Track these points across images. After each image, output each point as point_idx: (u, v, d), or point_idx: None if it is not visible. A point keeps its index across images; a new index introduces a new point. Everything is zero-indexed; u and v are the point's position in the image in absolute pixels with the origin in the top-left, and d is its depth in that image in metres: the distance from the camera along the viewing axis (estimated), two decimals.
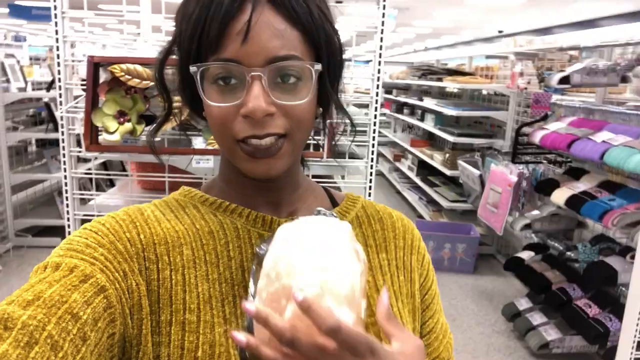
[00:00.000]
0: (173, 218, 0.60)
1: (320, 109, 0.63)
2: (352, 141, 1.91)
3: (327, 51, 0.58)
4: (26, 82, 4.18)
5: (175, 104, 0.64)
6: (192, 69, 0.54)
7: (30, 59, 5.58)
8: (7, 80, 3.95)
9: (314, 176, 1.84)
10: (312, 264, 0.47)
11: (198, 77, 0.54)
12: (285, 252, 0.49)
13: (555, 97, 3.21)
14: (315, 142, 1.66)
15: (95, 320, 0.46)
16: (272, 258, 0.49)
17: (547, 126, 3.04)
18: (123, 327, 0.50)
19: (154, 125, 0.67)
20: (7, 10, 6.81)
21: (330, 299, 0.46)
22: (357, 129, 2.12)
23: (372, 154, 1.88)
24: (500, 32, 4.38)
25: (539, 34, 3.65)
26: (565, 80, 2.78)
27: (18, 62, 4.15)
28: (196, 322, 0.53)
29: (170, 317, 0.53)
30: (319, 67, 0.55)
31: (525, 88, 3.58)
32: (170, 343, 0.52)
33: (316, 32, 0.55)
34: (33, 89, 4.47)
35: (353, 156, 1.95)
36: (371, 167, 1.89)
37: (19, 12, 6.80)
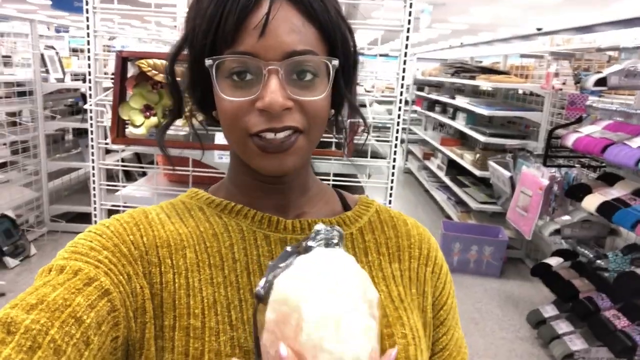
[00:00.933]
0: (178, 221, 0.60)
1: (333, 110, 0.62)
2: (370, 140, 1.90)
3: (342, 50, 0.57)
4: (64, 73, 4.31)
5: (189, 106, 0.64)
6: (208, 61, 0.53)
7: (71, 50, 5.74)
8: (47, 71, 4.08)
9: (336, 175, 1.84)
10: (326, 338, 0.44)
11: (213, 71, 0.53)
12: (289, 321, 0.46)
13: (591, 99, 3.10)
14: (337, 140, 1.65)
15: (98, 323, 0.46)
16: (275, 325, 0.46)
17: (582, 129, 2.94)
18: (127, 331, 0.50)
19: (163, 124, 0.66)
20: (50, 2, 7.03)
21: None
22: (383, 130, 2.09)
23: (395, 153, 1.86)
24: (538, 29, 4.23)
25: (579, 32, 3.51)
26: (602, 82, 2.68)
27: (57, 53, 4.27)
28: (201, 328, 0.52)
29: (173, 321, 0.53)
30: (336, 62, 0.55)
31: (561, 89, 3.47)
32: (174, 349, 0.52)
33: (332, 30, 0.55)
34: (71, 80, 4.60)
35: (377, 155, 1.94)
36: (393, 167, 1.87)
37: (61, 3, 7.01)
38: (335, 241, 0.52)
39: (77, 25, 5.49)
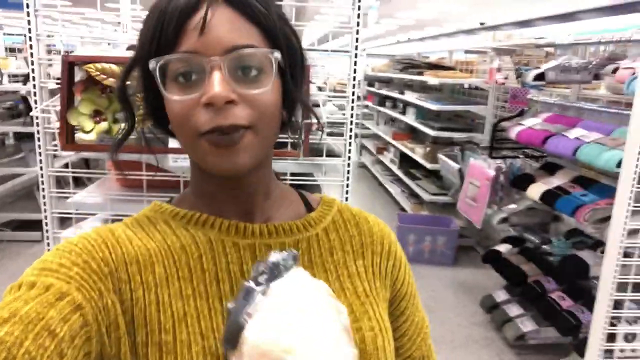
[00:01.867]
0: (144, 236, 0.59)
1: (285, 112, 0.62)
2: (325, 139, 1.93)
3: (287, 51, 0.58)
4: (1, 75, 4.11)
5: (141, 112, 0.64)
6: (151, 64, 0.54)
7: (6, 49, 5.47)
8: None
9: (292, 174, 1.86)
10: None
11: (157, 74, 0.54)
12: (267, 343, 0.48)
13: (532, 93, 3.26)
14: (292, 140, 1.67)
15: (72, 337, 0.46)
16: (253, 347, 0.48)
17: (524, 122, 3.09)
18: (100, 346, 0.50)
19: (117, 139, 0.65)
20: None
21: None
22: (336, 125, 2.11)
23: (349, 152, 1.90)
24: (482, 24, 4.40)
25: (520, 26, 3.67)
26: (540, 77, 2.82)
27: None
28: (172, 342, 0.53)
29: (146, 338, 0.53)
30: (278, 55, 0.56)
31: (503, 83, 3.63)
32: None
33: (274, 30, 0.56)
34: (10, 82, 4.39)
35: (332, 153, 1.97)
36: (348, 165, 1.91)
37: None
38: (292, 264, 0.54)
39: (12, 23, 5.22)
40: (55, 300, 0.48)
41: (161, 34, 0.53)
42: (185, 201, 0.66)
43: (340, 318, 0.53)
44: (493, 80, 3.75)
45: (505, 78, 3.58)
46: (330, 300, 0.54)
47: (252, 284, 0.52)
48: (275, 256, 0.53)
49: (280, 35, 0.57)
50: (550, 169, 3.01)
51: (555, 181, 2.82)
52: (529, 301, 2.94)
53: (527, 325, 2.85)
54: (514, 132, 3.06)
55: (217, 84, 0.52)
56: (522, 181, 3.02)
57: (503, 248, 3.34)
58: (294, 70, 0.60)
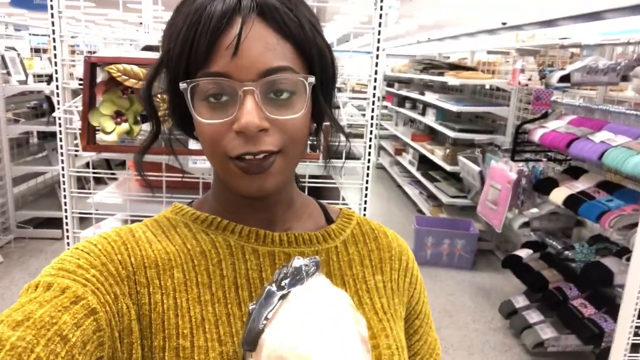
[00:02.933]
0: (164, 239, 0.59)
1: (314, 124, 0.62)
2: (343, 142, 1.91)
3: (319, 65, 0.57)
4: (27, 75, 4.18)
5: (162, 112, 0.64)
6: (182, 85, 0.53)
7: (31, 50, 5.57)
8: (8, 73, 3.96)
9: (311, 176, 1.85)
10: None
11: (188, 94, 0.53)
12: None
13: (556, 95, 3.19)
14: (311, 142, 1.66)
15: (84, 343, 0.46)
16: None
17: (547, 124, 3.03)
18: (112, 351, 0.50)
19: (142, 146, 0.65)
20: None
21: None
22: (355, 127, 2.09)
23: (369, 154, 1.88)
24: (504, 23, 4.32)
25: (544, 26, 3.59)
26: (565, 78, 2.76)
27: (19, 54, 4.14)
28: (190, 348, 0.53)
29: (163, 342, 0.53)
30: (312, 79, 0.54)
31: (527, 85, 3.56)
32: None
33: (308, 45, 0.55)
34: (34, 82, 4.46)
35: (351, 156, 1.95)
36: (368, 168, 1.89)
37: (20, 1, 6.77)
38: (314, 271, 0.53)
39: (37, 24, 5.32)
40: (70, 304, 0.47)
41: (191, 50, 0.51)
42: (206, 205, 0.65)
43: (359, 328, 0.52)
44: (516, 81, 3.68)
45: (529, 79, 3.52)
46: (350, 310, 0.53)
47: (273, 287, 0.51)
48: (298, 261, 0.53)
49: (314, 50, 0.56)
50: (574, 173, 2.95)
51: (579, 186, 2.75)
52: (549, 308, 2.88)
53: (546, 332, 2.80)
54: (537, 134, 3.00)
55: (250, 112, 0.51)
56: (545, 185, 2.96)
57: (523, 253, 3.28)
58: (325, 84, 0.59)
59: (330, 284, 0.55)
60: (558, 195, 2.76)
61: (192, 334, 0.53)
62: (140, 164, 0.66)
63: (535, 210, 3.24)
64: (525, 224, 3.23)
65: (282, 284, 0.51)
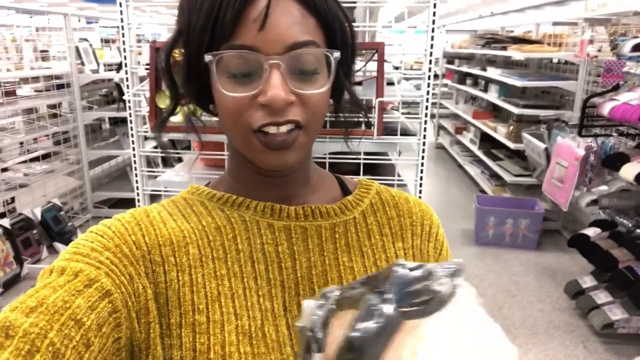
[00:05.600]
0: (180, 217, 0.59)
1: (331, 100, 0.61)
2: (399, 118, 1.91)
3: (341, 40, 0.57)
4: (98, 64, 4.44)
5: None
6: (208, 57, 0.51)
7: (102, 40, 5.88)
8: (82, 63, 4.21)
9: (366, 153, 1.87)
10: None
11: (214, 67, 0.52)
12: None
13: (628, 65, 3.00)
14: (366, 119, 1.67)
15: (99, 325, 0.46)
16: None
17: (618, 97, 2.86)
18: (129, 332, 0.50)
19: (161, 118, 0.66)
20: None
21: None
22: (412, 106, 2.08)
23: (424, 130, 1.87)
24: None
25: None
26: (639, 47, 2.60)
27: (91, 45, 4.40)
28: (206, 323, 0.53)
29: (179, 319, 0.53)
30: (337, 54, 0.54)
31: (596, 56, 3.37)
32: (182, 345, 0.52)
33: (332, 19, 0.55)
34: (105, 70, 4.73)
35: (407, 132, 1.95)
36: (423, 144, 1.88)
37: None
38: (454, 289, 0.36)
39: (107, 16, 5.60)
40: (83, 287, 0.47)
41: (216, 21, 0.50)
42: (222, 184, 0.66)
43: None
44: (584, 53, 3.50)
45: (599, 50, 3.33)
46: (510, 346, 0.37)
47: (391, 310, 0.35)
48: (438, 272, 0.36)
49: (337, 25, 0.56)
50: None
51: None
52: (618, 288, 2.76)
53: (616, 314, 2.68)
54: (607, 108, 2.84)
55: (277, 85, 0.51)
56: (615, 160, 2.81)
57: (591, 232, 3.14)
58: (345, 59, 0.59)
59: (476, 306, 0.37)
60: (629, 171, 2.62)
61: (208, 308, 0.54)
62: (160, 138, 0.68)
63: (604, 187, 3.08)
64: (594, 202, 3.09)
65: (404, 303, 0.35)
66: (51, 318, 0.43)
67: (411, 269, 0.37)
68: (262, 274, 0.57)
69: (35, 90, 4.23)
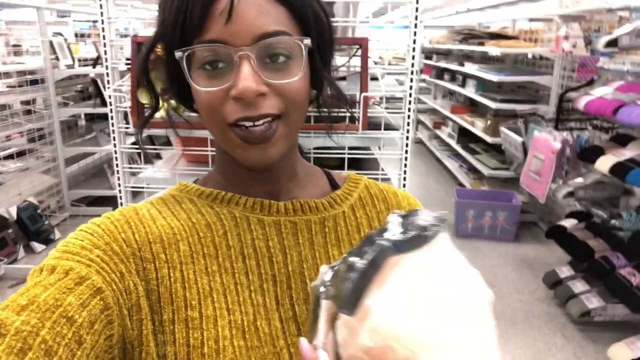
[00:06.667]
0: (169, 215, 0.59)
1: (314, 91, 0.61)
2: (382, 113, 1.92)
3: (316, 29, 0.56)
4: (73, 59, 4.34)
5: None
6: (177, 54, 0.52)
7: (76, 35, 5.75)
8: (56, 58, 4.12)
9: (350, 148, 1.87)
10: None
11: (184, 63, 0.53)
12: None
13: (602, 61, 3.08)
14: (350, 114, 1.68)
15: (91, 322, 0.46)
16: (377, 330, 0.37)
17: (593, 91, 2.94)
18: (122, 329, 0.50)
19: (146, 116, 0.67)
20: None
21: None
22: (392, 101, 2.10)
23: (408, 125, 1.89)
24: None
25: None
26: (613, 43, 2.66)
27: (65, 40, 4.30)
28: (199, 318, 0.53)
29: (172, 315, 0.53)
30: (308, 41, 0.54)
31: (571, 52, 3.44)
32: (175, 341, 0.52)
33: (303, 8, 0.54)
34: (80, 66, 4.63)
35: (389, 127, 1.97)
36: (407, 139, 1.90)
37: None
38: (437, 231, 0.40)
39: (79, 10, 5.47)
40: (74, 285, 0.47)
41: (185, 17, 0.51)
42: (211, 180, 0.66)
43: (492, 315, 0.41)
44: (559, 48, 3.57)
45: (573, 46, 3.40)
46: (486, 289, 0.41)
47: (385, 241, 0.39)
48: (424, 217, 0.40)
49: (310, 13, 0.55)
50: (622, 140, 2.85)
51: (627, 153, 2.67)
52: (595, 277, 2.84)
53: (593, 302, 2.76)
54: (582, 102, 2.91)
55: (247, 77, 0.50)
56: (590, 153, 2.89)
57: (568, 223, 3.22)
58: (322, 49, 0.59)
59: (459, 254, 0.42)
60: (604, 163, 2.69)
61: (200, 304, 0.54)
62: (141, 135, 0.69)
63: (580, 179, 3.16)
64: (570, 194, 3.16)
65: (396, 237, 0.39)
66: (42, 316, 0.43)
67: (403, 216, 0.42)
68: (254, 269, 0.58)
69: (8, 86, 4.12)
